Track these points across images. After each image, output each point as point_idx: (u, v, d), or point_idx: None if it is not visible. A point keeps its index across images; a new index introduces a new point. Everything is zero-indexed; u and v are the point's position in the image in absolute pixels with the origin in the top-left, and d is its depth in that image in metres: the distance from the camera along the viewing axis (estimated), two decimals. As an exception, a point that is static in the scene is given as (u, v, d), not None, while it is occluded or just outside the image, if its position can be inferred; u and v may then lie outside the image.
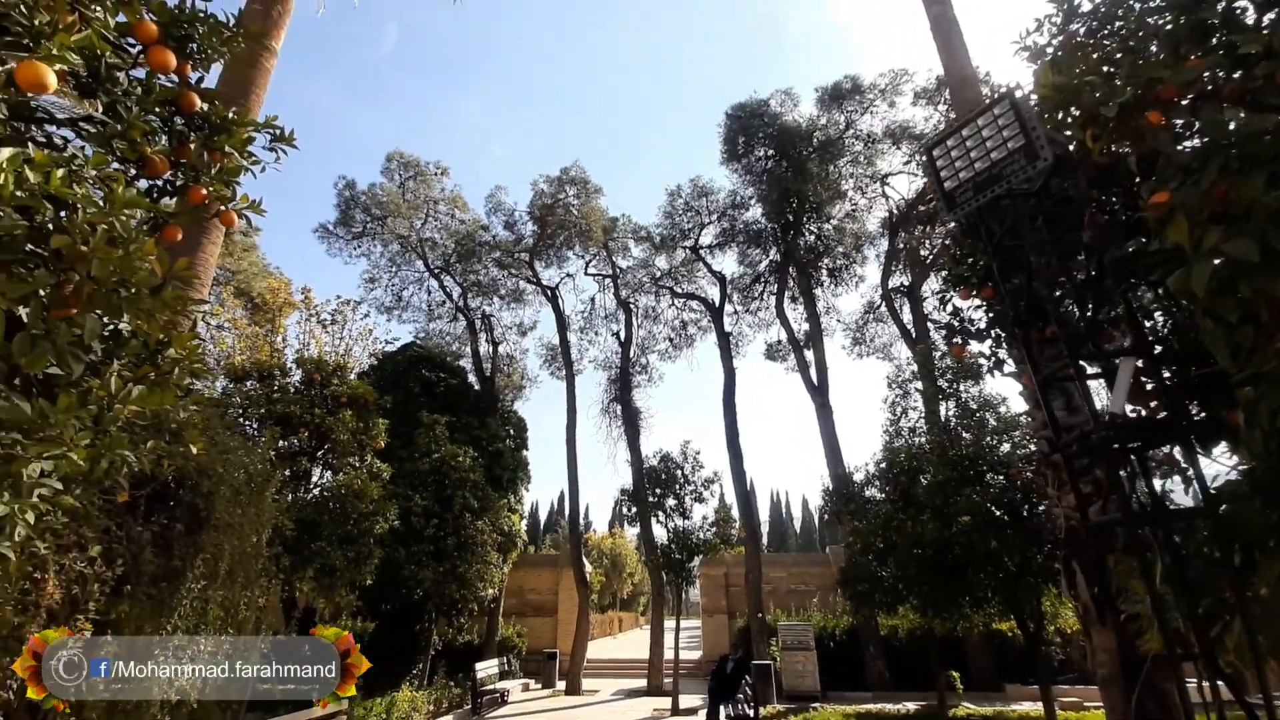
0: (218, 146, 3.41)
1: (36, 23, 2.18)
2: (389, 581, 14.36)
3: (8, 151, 2.10)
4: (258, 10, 8.13)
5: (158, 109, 3.08)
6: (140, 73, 3.05)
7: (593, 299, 26.74)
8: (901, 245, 23.72)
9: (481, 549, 16.23)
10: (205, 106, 3.32)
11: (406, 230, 24.23)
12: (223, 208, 3.56)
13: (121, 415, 2.76)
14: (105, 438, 2.70)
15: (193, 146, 3.31)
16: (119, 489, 3.53)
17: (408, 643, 17.04)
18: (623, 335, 25.33)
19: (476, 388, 23.40)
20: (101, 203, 2.43)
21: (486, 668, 17.36)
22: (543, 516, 77.16)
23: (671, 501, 18.25)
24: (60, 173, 2.35)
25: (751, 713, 12.93)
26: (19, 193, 2.16)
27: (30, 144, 2.43)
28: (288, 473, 11.48)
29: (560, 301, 25.13)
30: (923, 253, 23.35)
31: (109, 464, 2.79)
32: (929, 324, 22.21)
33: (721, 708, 12.45)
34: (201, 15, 2.94)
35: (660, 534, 18.90)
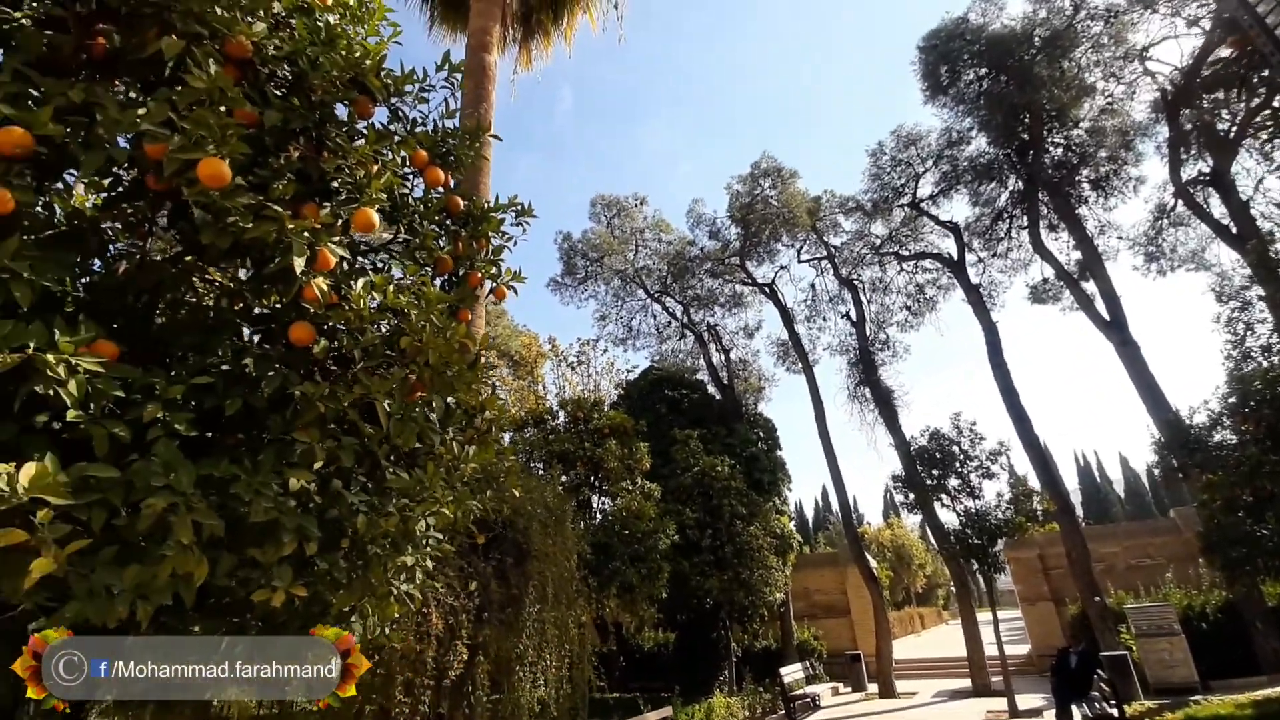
0: (481, 234, 3.97)
1: (358, 177, 2.77)
2: (680, 593, 15.18)
3: (362, 282, 2.69)
4: (470, 111, 9.48)
5: (436, 217, 3.69)
6: (418, 190, 3.71)
7: (812, 285, 25.77)
8: (1189, 125, 18.84)
9: (759, 554, 16.37)
10: (464, 204, 3.89)
11: (622, 264, 25.98)
12: (493, 284, 4.12)
13: (466, 473, 3.30)
14: (458, 493, 3.25)
15: (462, 241, 3.89)
16: (473, 534, 4.21)
17: (708, 649, 17.77)
18: (853, 315, 23.93)
19: (718, 397, 23.92)
20: (421, 304, 2.98)
21: (791, 672, 17.30)
22: (809, 515, 75.52)
23: (954, 482, 16.54)
24: (391, 288, 2.92)
25: (1114, 711, 10.92)
26: (371, 310, 2.73)
27: (369, 271, 3.06)
28: (574, 503, 12.88)
29: (780, 296, 24.69)
30: (1222, 126, 18.27)
31: (463, 514, 3.35)
32: (1252, 212, 17.24)
33: (1075, 707, 10.73)
34: (452, 132, 3.46)
35: (948, 519, 17.20)
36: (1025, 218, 21.53)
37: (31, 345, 1.90)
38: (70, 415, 2.00)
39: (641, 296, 26.59)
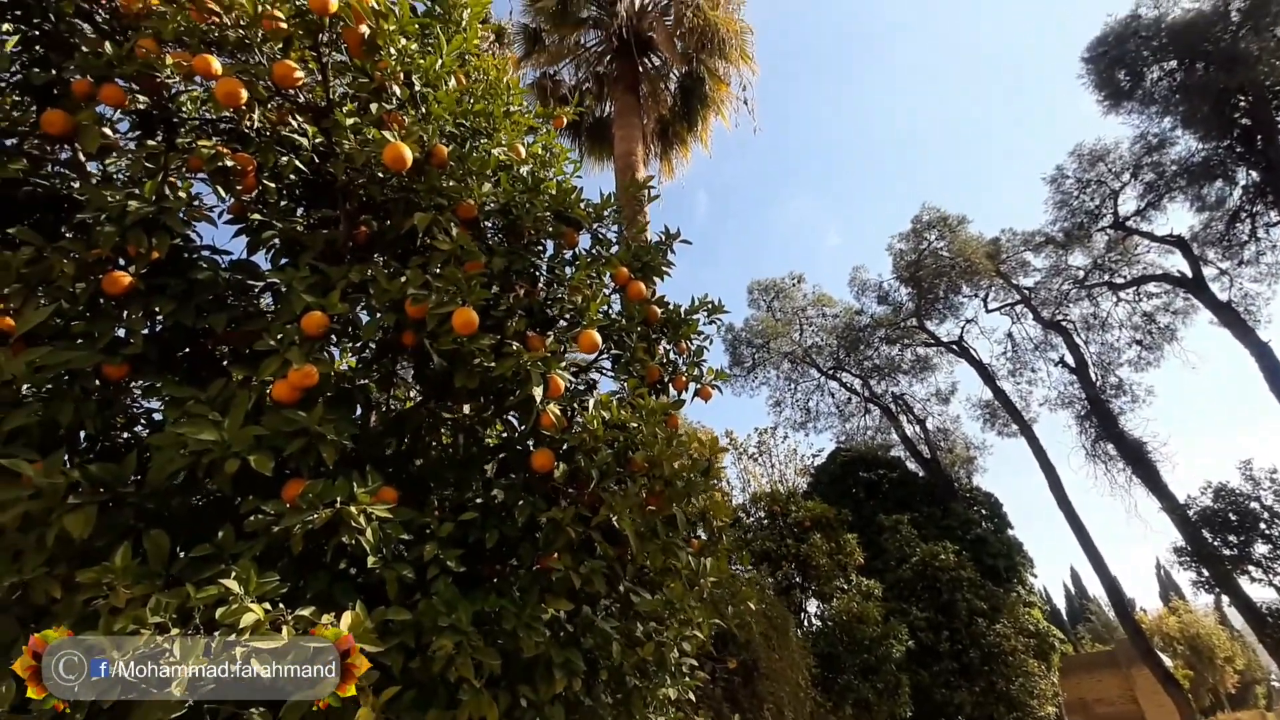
0: (682, 337, 3.98)
1: (576, 301, 2.91)
2: (925, 710, 13.11)
3: (592, 402, 2.74)
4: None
5: (639, 328, 3.76)
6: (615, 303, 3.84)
7: (1009, 335, 23.15)
8: None
9: (1013, 658, 13.81)
10: (661, 312, 3.95)
11: (790, 346, 25.45)
12: (697, 385, 4.06)
13: (706, 588, 3.09)
14: (703, 611, 3.03)
15: (663, 347, 3.91)
16: (718, 655, 3.91)
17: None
18: (1070, 360, 20.88)
19: (921, 474, 21.66)
20: (643, 415, 2.96)
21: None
22: (1060, 604, 63.55)
23: (1263, 548, 13.03)
24: (615, 404, 2.95)
25: None
26: (602, 429, 2.74)
27: (590, 391, 3.14)
28: (787, 608, 11.93)
29: (973, 352, 22.41)
30: None
31: (710, 632, 3.10)
32: None
33: None
34: (646, 246, 3.58)
35: (1265, 595, 13.42)
36: (1272, 212, 17.86)
37: (339, 500, 2.10)
38: (370, 562, 2.15)
39: (815, 376, 25.66)
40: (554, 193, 3.05)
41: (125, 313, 2.38)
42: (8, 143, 2.39)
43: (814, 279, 26.56)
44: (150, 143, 2.52)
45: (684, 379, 3.92)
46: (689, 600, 2.70)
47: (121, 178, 2.61)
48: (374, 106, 2.53)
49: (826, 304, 26.01)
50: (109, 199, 2.27)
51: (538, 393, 2.56)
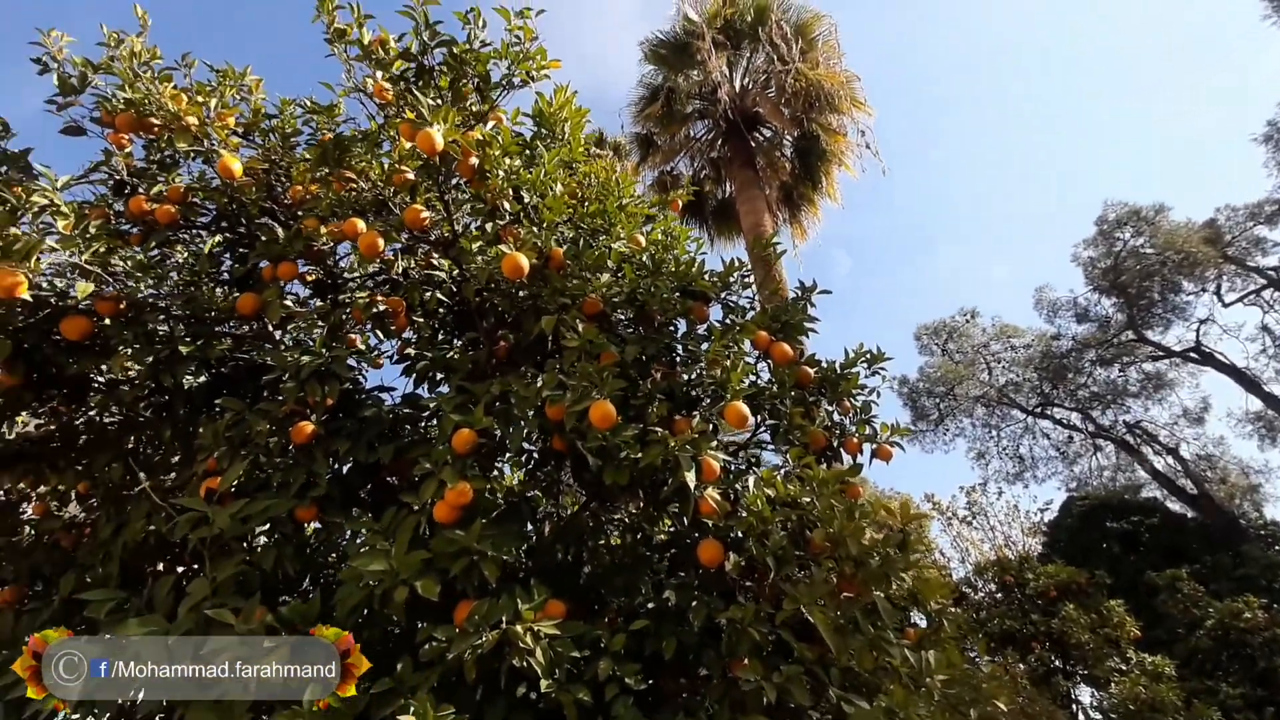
0: (843, 395, 3.60)
1: (715, 376, 2.73)
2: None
3: (752, 480, 2.48)
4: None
5: (792, 393, 3.46)
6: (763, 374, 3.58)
7: (1263, 328, 18.86)
8: None
9: None
10: (814, 372, 3.62)
11: (979, 388, 22.75)
12: (873, 445, 3.59)
13: (936, 688, 2.53)
14: (935, 716, 2.47)
15: (823, 409, 3.55)
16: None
17: None
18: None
19: (1189, 514, 17.61)
20: (814, 488, 2.62)
21: None
22: None
23: None
24: (779, 479, 2.65)
25: None
26: (769, 510, 2.45)
27: (754, 469, 2.87)
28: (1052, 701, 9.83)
29: (1219, 357, 18.47)
30: None
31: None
32: None
33: None
34: (784, 307, 3.35)
35: None
36: None
37: (504, 620, 2.02)
38: (544, 685, 2.01)
39: (1019, 417, 22.51)
40: (676, 270, 2.98)
41: (311, 458, 2.61)
42: (216, 329, 2.82)
43: (987, 314, 23.72)
44: (319, 303, 2.86)
45: (856, 441, 3.50)
46: (916, 706, 2.20)
47: (300, 339, 2.97)
48: (489, 225, 2.67)
49: (1013, 334, 23.18)
50: (288, 358, 2.56)
51: (690, 478, 2.36)
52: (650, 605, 2.58)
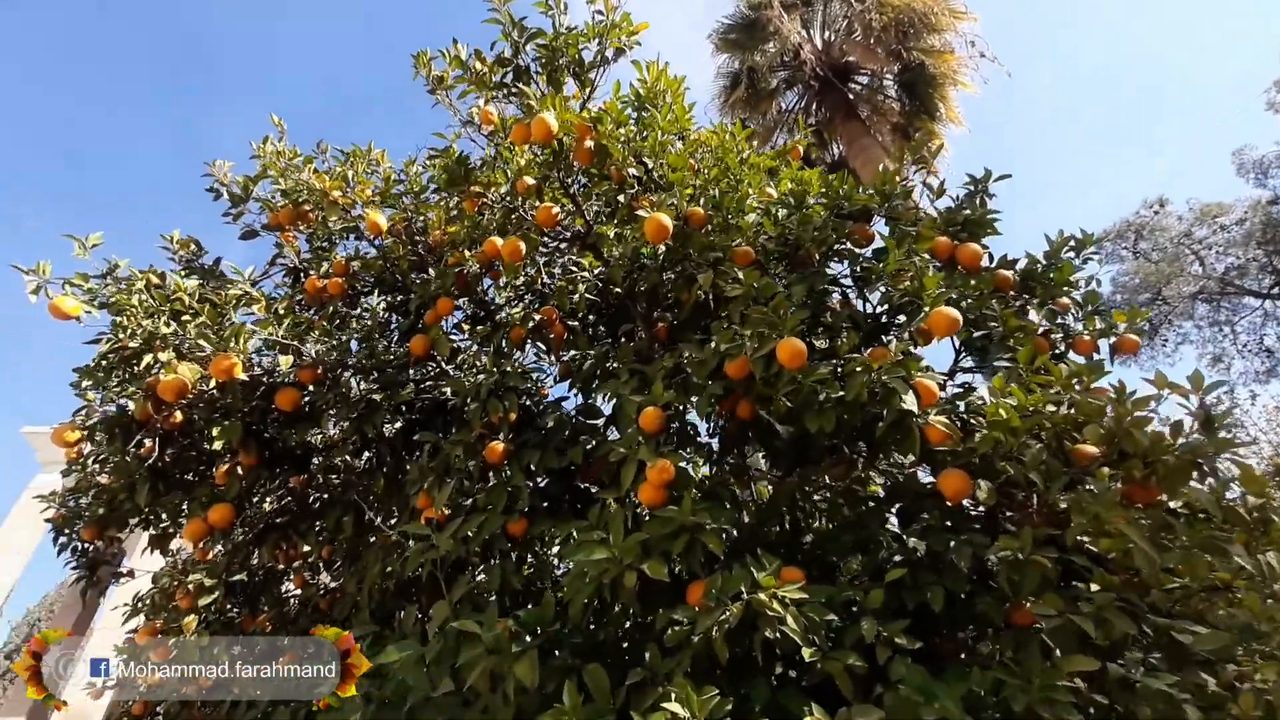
0: (1055, 291, 3.06)
1: (905, 286, 2.39)
2: None
3: (984, 388, 2.11)
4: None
5: (992, 302, 2.99)
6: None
7: None
8: None
9: None
10: (1014, 273, 3.11)
11: (1193, 283, 19.19)
12: (1111, 339, 3.00)
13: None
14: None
15: (1032, 316, 3.03)
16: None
17: None
18: None
19: None
20: (1061, 393, 2.18)
21: None
22: None
23: None
24: (1014, 388, 2.24)
25: None
26: (1016, 418, 2.05)
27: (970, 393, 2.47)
28: None
29: None
30: None
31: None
32: None
33: None
34: (960, 205, 2.92)
35: None
36: None
37: (743, 591, 1.83)
38: (807, 654, 1.78)
39: (1253, 304, 18.64)
40: (827, 194, 2.70)
41: (508, 475, 2.63)
42: (399, 377, 2.97)
43: (1177, 200, 19.88)
44: (479, 328, 2.92)
45: (1088, 339, 2.95)
46: (1272, 616, 1.69)
47: (472, 364, 3.05)
48: (620, 198, 2.57)
49: (1218, 212, 19.36)
50: (465, 383, 2.61)
51: (910, 401, 2.05)
52: (896, 560, 2.26)
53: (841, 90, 12.49)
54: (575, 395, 3.19)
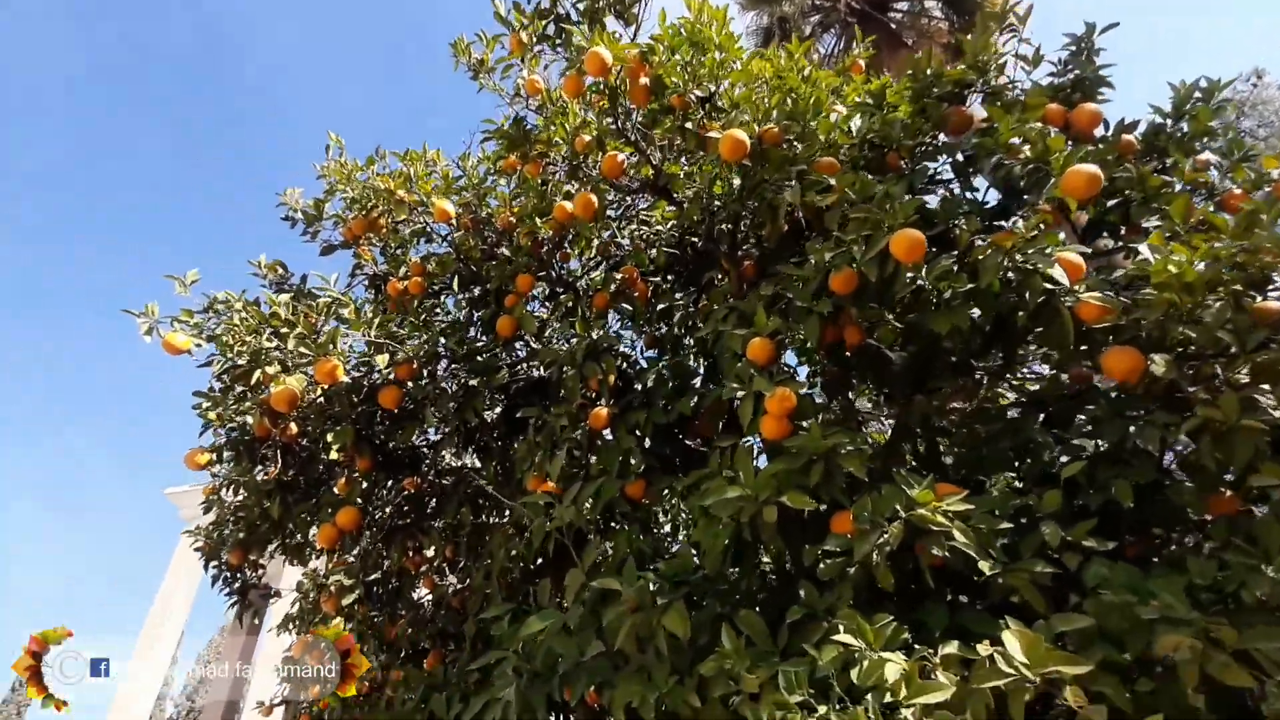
0: (1190, 144, 2.68)
1: (1026, 155, 2.12)
2: None
3: (1144, 248, 1.82)
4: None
5: (1123, 169, 2.64)
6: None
7: None
8: None
9: None
10: (1136, 136, 2.74)
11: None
12: (1268, 189, 2.59)
13: None
14: None
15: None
16: None
17: None
18: None
19: None
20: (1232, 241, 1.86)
21: None
22: None
23: None
24: (1178, 245, 1.93)
25: None
26: (1191, 273, 1.76)
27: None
28: None
29: None
30: None
31: None
32: None
33: None
34: (1071, 60, 2.59)
35: None
36: None
37: (899, 509, 1.64)
38: (985, 568, 1.58)
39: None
40: (912, 81, 2.45)
41: (616, 439, 2.54)
42: (492, 363, 2.94)
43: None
44: (562, 297, 2.85)
45: (1239, 193, 2.56)
46: None
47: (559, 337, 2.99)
48: (687, 125, 2.42)
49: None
50: (559, 351, 2.54)
51: (1059, 275, 1.80)
52: (1063, 461, 2.00)
53: (881, 20, 11.79)
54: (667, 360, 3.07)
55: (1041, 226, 1.95)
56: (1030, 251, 1.86)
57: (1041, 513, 1.73)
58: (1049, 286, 1.84)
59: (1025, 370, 2.68)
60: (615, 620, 1.80)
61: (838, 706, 1.39)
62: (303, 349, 2.40)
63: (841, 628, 1.52)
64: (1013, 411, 2.59)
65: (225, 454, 2.65)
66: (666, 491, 2.59)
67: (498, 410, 3.02)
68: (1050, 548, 1.63)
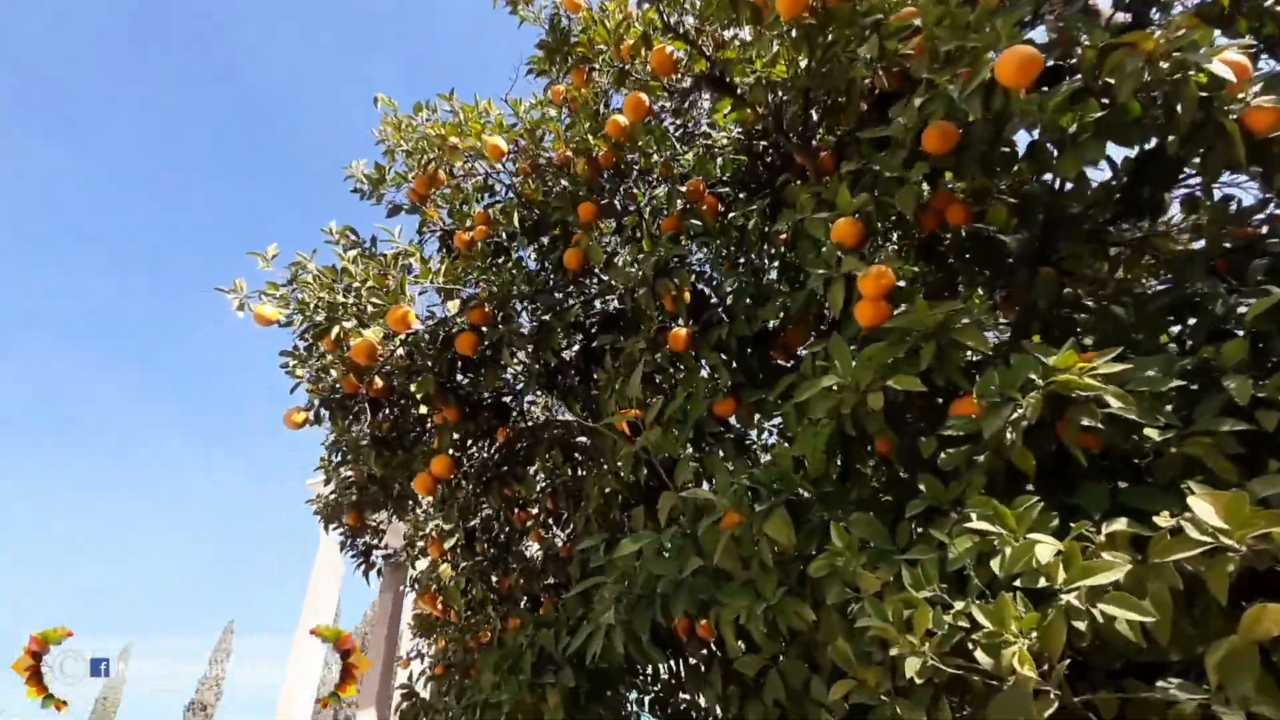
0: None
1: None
2: None
3: None
4: None
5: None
6: None
7: None
8: None
9: None
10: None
11: None
12: None
13: None
14: None
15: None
16: None
17: None
18: None
19: None
20: None
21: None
22: None
23: None
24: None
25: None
26: None
27: None
28: None
29: None
30: None
31: None
32: None
33: None
34: None
35: None
36: None
37: (1034, 378, 1.38)
38: (1153, 435, 1.30)
39: None
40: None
41: (699, 357, 2.39)
42: (564, 302, 2.85)
43: None
44: (627, 218, 2.69)
45: None
46: None
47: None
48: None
49: None
50: (630, 271, 2.40)
51: (1221, 71, 1.43)
52: (1240, 310, 1.63)
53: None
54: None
55: (1194, 22, 1.56)
56: (1179, 53, 1.49)
57: (1222, 368, 1.40)
58: (1205, 95, 1.48)
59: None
60: (712, 534, 1.66)
61: (977, 601, 1.19)
62: (374, 300, 2.40)
63: (974, 515, 1.30)
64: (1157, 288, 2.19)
65: (320, 413, 2.73)
66: (758, 415, 2.41)
67: (576, 349, 2.93)
68: (1238, 404, 1.32)
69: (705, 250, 2.73)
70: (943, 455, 1.53)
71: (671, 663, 2.90)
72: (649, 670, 3.06)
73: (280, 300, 2.82)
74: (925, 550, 1.31)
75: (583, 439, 3.00)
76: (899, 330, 1.65)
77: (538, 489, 3.43)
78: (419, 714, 3.19)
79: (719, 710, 2.25)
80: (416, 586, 4.23)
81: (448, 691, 3.31)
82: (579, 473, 3.43)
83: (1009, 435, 1.39)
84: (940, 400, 1.77)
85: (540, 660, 2.42)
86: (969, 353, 1.64)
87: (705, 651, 2.35)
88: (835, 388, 1.58)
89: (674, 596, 1.76)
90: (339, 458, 3.14)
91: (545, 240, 3.35)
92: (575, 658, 2.25)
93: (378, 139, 3.46)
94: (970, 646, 1.19)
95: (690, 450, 2.34)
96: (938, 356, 1.61)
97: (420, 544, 3.53)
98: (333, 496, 3.72)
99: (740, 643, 1.75)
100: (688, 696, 3.06)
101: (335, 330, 2.38)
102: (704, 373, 2.39)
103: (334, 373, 2.57)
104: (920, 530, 1.45)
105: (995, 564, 1.20)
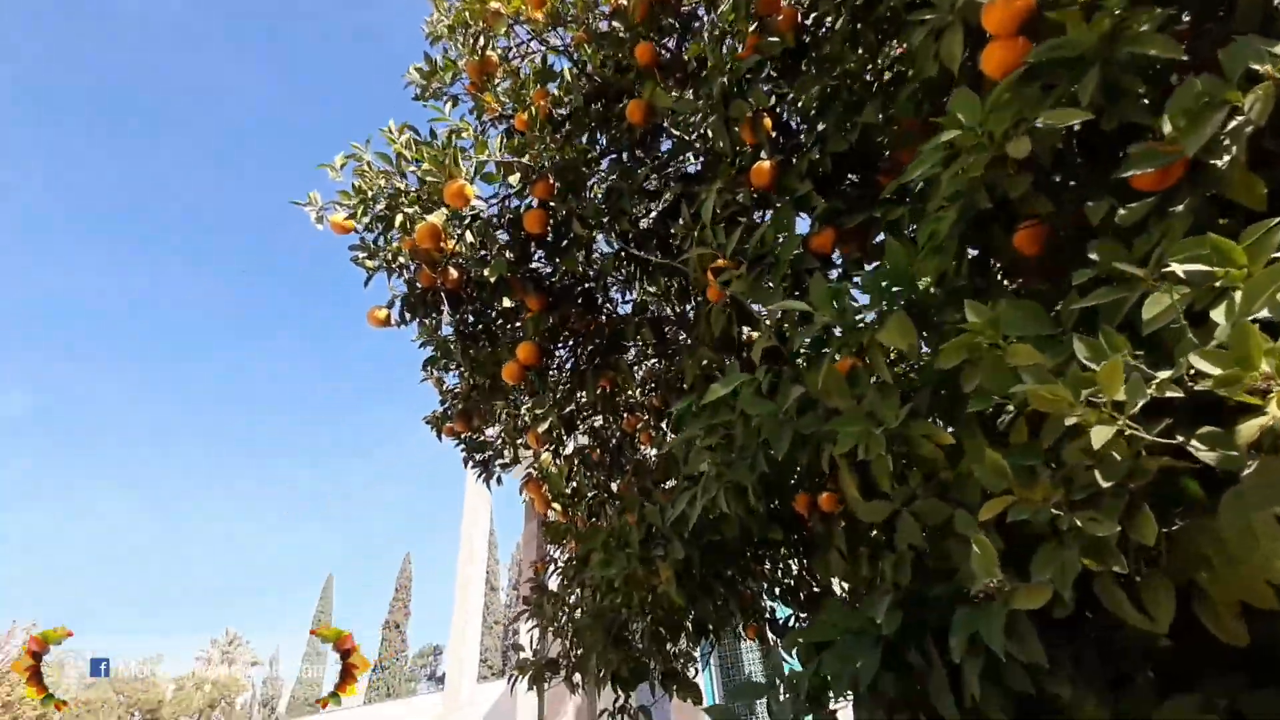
0: None
1: None
2: None
3: None
4: None
5: None
6: None
7: None
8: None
9: None
10: None
11: None
12: None
13: None
14: None
15: None
16: None
17: None
18: None
19: None
20: None
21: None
22: None
23: None
24: None
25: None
26: None
27: None
28: None
29: None
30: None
31: None
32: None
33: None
34: None
35: None
36: None
37: (1255, 65, 0.95)
38: None
39: None
40: None
41: (788, 188, 2.05)
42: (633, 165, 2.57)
43: None
44: (689, 46, 2.34)
45: None
46: None
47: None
48: None
49: None
50: (695, 103, 2.08)
51: None
52: None
53: None
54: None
55: None
56: None
57: None
58: None
59: None
60: (814, 367, 1.39)
61: (1190, 373, 0.84)
62: (429, 177, 2.27)
63: (1176, 265, 0.93)
64: None
65: (401, 310, 2.70)
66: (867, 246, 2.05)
67: (653, 218, 2.67)
68: None
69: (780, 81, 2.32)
70: (1121, 212, 1.13)
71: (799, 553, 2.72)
72: (775, 560, 2.90)
73: (350, 202, 2.77)
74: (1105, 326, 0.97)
75: (669, 313, 2.78)
76: (1047, 66, 1.23)
77: (637, 377, 3.29)
78: (543, 602, 3.26)
79: (843, 582, 2.04)
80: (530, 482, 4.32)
81: (571, 581, 3.36)
82: (676, 360, 3.25)
83: (1222, 157, 0.99)
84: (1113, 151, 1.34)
85: (649, 537, 2.31)
86: (1151, 74, 1.20)
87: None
88: (958, 141, 1.21)
89: (778, 439, 1.52)
90: (434, 363, 3.14)
91: (603, 106, 3.05)
92: (685, 533, 2.12)
93: (426, 32, 3.28)
94: (1178, 438, 0.86)
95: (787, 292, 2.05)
96: (1105, 91, 1.19)
97: (515, 431, 3.54)
98: (441, 407, 3.81)
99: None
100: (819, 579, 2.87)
101: (399, 218, 2.29)
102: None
103: (408, 262, 2.51)
104: (1090, 308, 1.09)
105: (1219, 312, 0.85)
